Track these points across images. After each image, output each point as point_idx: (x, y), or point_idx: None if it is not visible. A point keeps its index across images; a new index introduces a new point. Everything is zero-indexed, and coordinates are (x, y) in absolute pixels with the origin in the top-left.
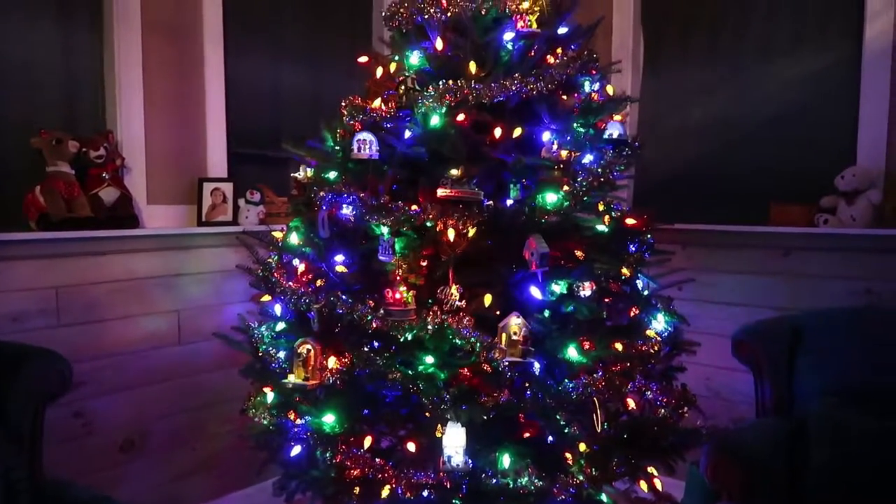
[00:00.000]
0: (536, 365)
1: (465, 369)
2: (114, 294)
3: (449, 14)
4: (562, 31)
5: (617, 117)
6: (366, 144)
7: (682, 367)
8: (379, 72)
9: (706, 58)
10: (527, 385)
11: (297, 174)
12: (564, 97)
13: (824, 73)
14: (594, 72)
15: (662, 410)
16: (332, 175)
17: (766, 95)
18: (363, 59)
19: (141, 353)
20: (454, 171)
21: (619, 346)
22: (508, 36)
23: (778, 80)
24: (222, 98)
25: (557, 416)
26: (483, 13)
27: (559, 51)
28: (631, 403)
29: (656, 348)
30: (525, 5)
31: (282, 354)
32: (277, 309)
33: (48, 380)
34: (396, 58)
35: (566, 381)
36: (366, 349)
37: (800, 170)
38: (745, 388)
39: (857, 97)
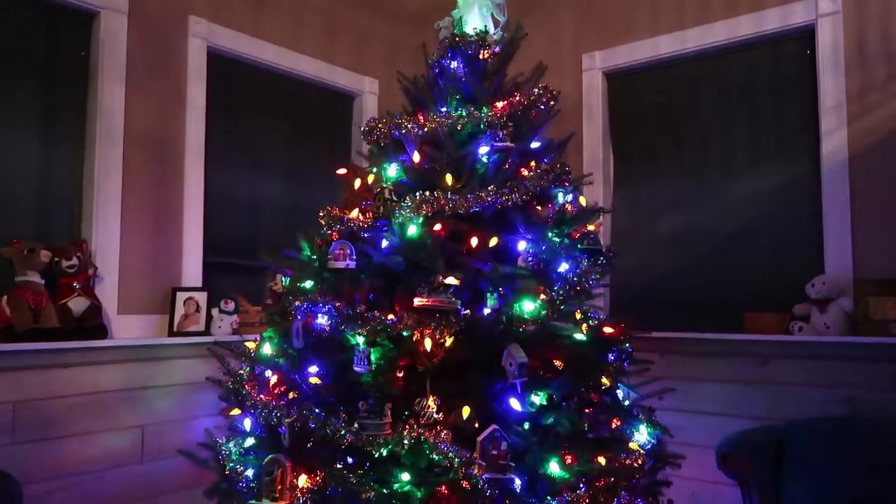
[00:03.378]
0: (517, 481)
1: (443, 487)
2: (75, 409)
3: (426, 129)
4: (534, 145)
5: (590, 227)
6: (343, 254)
7: (668, 482)
8: (357, 183)
9: (673, 172)
10: (507, 503)
11: (272, 283)
12: (539, 208)
13: (786, 186)
14: (567, 184)
15: None
16: (308, 284)
17: (733, 208)
18: (342, 171)
19: (99, 472)
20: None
21: (602, 460)
22: (483, 149)
23: (743, 194)
24: (201, 209)
25: None
26: (459, 128)
27: (532, 164)
28: None
29: (640, 462)
30: None
31: (250, 472)
32: (247, 423)
33: None
34: (374, 170)
35: (549, 498)
36: (339, 466)
37: (770, 279)
38: (732, 502)
39: (819, 208)
